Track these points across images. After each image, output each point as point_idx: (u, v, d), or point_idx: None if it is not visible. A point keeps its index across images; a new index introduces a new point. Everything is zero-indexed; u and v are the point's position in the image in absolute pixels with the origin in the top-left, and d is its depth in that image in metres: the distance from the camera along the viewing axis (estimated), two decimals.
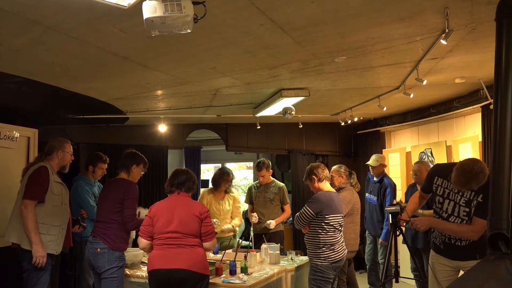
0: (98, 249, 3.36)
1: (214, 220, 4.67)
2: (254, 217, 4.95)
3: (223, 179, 4.82)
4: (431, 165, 5.32)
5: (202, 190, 9.83)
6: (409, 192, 4.71)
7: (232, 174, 4.94)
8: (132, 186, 3.52)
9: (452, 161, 5.56)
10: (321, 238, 3.58)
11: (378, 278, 5.17)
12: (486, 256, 2.43)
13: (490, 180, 2.47)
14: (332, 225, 3.59)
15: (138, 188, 4.62)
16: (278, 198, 5.04)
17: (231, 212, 4.93)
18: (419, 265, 4.12)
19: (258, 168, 5.11)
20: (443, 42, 2.96)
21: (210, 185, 5.05)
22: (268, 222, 4.86)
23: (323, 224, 3.57)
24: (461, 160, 3.11)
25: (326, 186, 3.73)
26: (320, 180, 3.68)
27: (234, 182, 5.03)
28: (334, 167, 4.65)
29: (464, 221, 3.09)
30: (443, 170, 3.19)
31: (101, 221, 3.46)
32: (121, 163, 3.66)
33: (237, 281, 3.37)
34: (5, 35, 2.83)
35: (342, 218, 3.75)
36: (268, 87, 4.64)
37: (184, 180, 3.24)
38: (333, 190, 3.77)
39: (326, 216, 3.57)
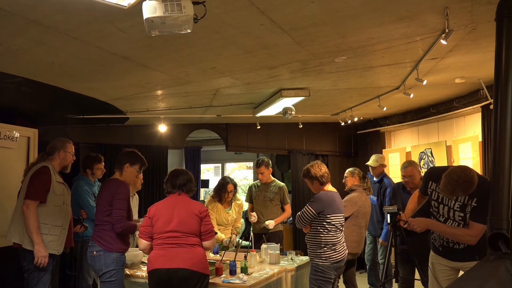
0: (94, 252, 3.31)
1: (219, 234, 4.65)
2: (253, 217, 4.94)
3: (223, 191, 4.74)
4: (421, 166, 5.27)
5: (202, 190, 9.74)
6: (397, 197, 4.42)
7: (231, 181, 4.80)
8: (121, 186, 3.37)
9: (452, 161, 5.56)
10: (322, 238, 3.58)
11: (378, 278, 5.17)
12: (486, 256, 2.43)
13: (490, 180, 2.47)
14: (333, 225, 3.59)
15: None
16: (278, 197, 5.04)
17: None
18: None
19: (257, 165, 5.12)
20: (443, 42, 2.96)
21: (212, 191, 4.99)
22: (267, 222, 4.86)
23: (324, 223, 3.57)
24: (451, 167, 3.07)
25: (327, 186, 3.73)
26: (322, 184, 3.68)
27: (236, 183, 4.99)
28: (349, 169, 4.64)
29: (461, 225, 3.08)
30: (437, 175, 3.13)
31: (96, 224, 3.41)
32: (116, 161, 3.53)
33: (237, 281, 3.37)
34: (5, 35, 2.83)
35: (343, 218, 3.76)
36: (268, 87, 4.64)
37: (185, 182, 3.23)
38: (334, 190, 3.77)
39: (328, 216, 3.57)
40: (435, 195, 3.19)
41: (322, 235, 3.59)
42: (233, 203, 4.85)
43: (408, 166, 4.24)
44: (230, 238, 4.68)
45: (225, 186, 4.74)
